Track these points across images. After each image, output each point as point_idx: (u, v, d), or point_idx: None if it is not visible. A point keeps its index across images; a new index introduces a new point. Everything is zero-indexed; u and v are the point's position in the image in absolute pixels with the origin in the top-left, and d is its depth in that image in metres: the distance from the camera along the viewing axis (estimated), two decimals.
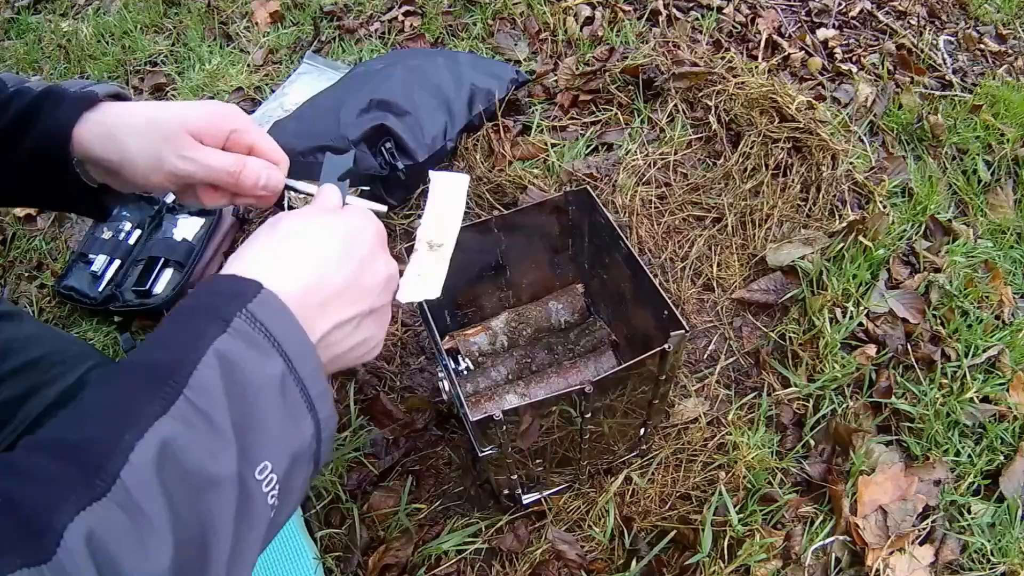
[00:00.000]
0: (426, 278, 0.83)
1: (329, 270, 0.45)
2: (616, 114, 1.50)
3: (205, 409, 0.34)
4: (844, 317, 1.17)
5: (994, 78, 1.63)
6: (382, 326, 0.51)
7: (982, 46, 1.74)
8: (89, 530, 0.30)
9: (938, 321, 1.18)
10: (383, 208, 0.67)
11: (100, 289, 1.30)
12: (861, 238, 1.22)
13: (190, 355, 0.35)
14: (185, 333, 0.37)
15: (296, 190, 0.63)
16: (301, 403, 0.39)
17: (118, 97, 0.61)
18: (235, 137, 0.60)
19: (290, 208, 0.61)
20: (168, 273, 1.30)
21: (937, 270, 1.24)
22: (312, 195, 0.63)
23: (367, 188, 1.28)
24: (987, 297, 1.21)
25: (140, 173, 0.57)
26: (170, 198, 1.40)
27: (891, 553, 0.95)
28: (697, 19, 1.72)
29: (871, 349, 1.14)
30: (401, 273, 0.85)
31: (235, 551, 0.34)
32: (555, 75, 1.59)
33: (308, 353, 0.40)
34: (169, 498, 0.32)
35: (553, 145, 1.45)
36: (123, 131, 0.57)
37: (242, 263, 0.43)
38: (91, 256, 1.34)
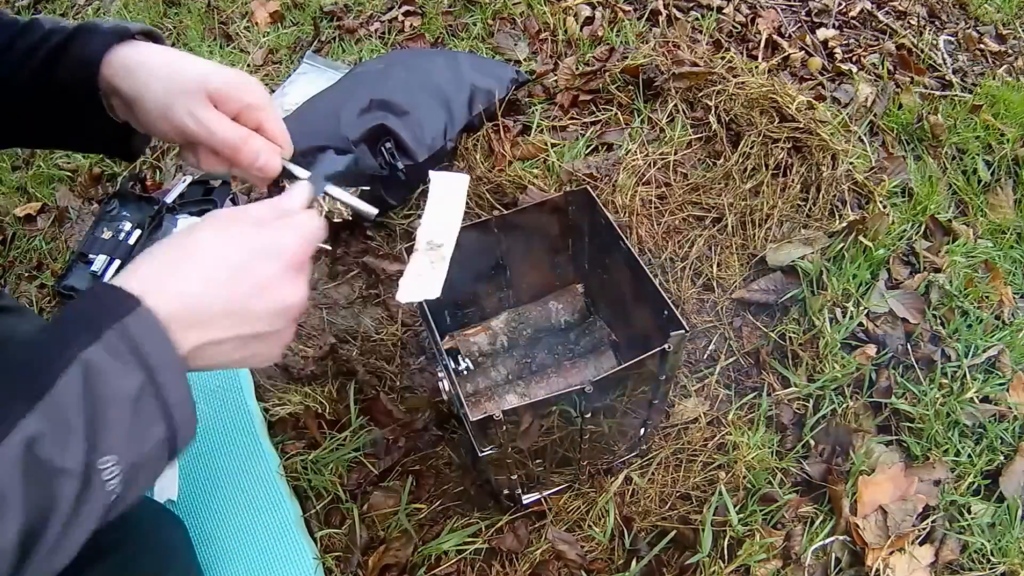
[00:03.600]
0: (426, 278, 0.83)
1: (216, 292, 0.46)
2: (616, 114, 1.50)
3: (64, 410, 0.39)
4: (844, 317, 1.17)
5: (994, 78, 1.63)
6: (274, 346, 0.51)
7: (982, 46, 1.74)
8: None
9: (938, 321, 1.18)
10: (371, 211, 0.66)
11: None
12: (861, 238, 1.22)
13: (58, 361, 0.40)
14: (60, 339, 0.41)
15: (295, 176, 0.63)
16: (156, 410, 0.43)
17: (151, 36, 0.62)
18: (248, 111, 0.60)
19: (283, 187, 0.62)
20: None
21: (937, 270, 1.24)
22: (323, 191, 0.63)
23: (367, 188, 1.28)
24: (987, 297, 1.21)
25: (151, 117, 0.58)
26: (170, 198, 1.40)
27: (891, 553, 0.95)
28: (697, 19, 1.72)
29: (871, 349, 1.14)
30: (401, 273, 0.85)
31: (67, 527, 0.40)
32: (555, 75, 1.59)
33: (171, 365, 0.43)
34: (25, 485, 0.38)
35: (553, 145, 1.45)
36: (144, 71, 0.58)
37: (135, 273, 0.45)
38: (91, 256, 1.34)
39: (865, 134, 1.48)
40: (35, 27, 0.63)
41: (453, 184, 0.87)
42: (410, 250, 0.88)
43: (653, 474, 1.03)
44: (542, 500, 1.01)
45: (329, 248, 1.34)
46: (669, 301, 0.82)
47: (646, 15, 1.74)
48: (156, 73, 0.58)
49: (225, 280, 0.47)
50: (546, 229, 1.04)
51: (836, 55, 1.65)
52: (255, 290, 0.48)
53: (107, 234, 1.37)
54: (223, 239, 0.48)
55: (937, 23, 1.80)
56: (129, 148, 0.67)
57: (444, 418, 1.11)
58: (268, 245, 0.49)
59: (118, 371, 0.41)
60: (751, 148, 1.36)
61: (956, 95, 1.58)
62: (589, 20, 1.73)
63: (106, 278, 1.30)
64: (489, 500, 1.04)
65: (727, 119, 1.42)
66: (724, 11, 1.74)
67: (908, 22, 1.78)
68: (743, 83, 1.44)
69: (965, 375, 1.11)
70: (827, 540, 0.97)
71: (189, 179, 1.45)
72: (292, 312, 0.50)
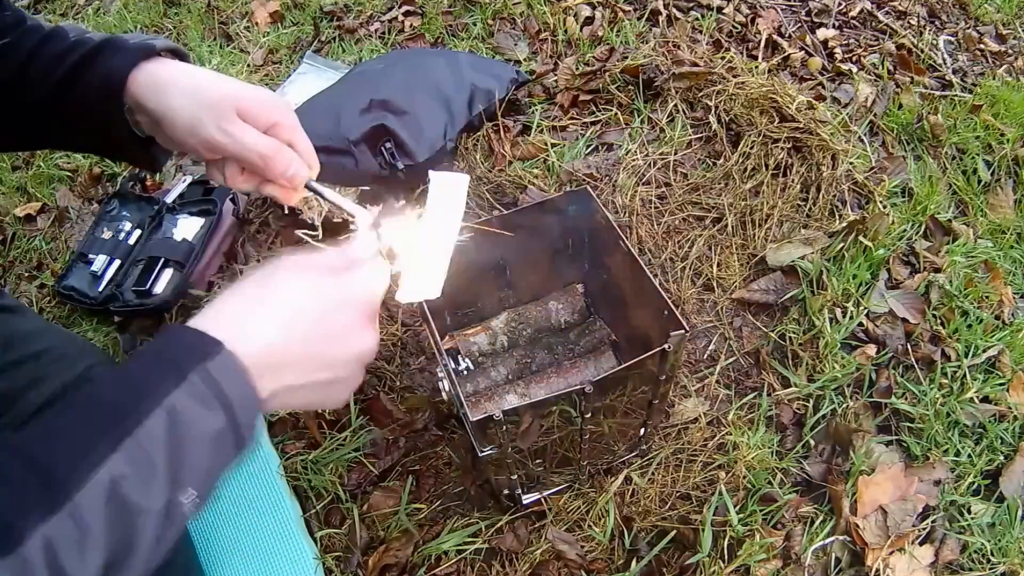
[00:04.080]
0: (426, 278, 0.83)
1: (295, 339, 0.48)
2: (616, 114, 1.50)
3: (149, 452, 0.40)
4: (844, 317, 1.17)
5: (994, 78, 1.63)
6: (345, 391, 0.53)
7: (982, 46, 1.74)
8: (47, 537, 0.36)
9: (938, 321, 1.18)
10: (367, 216, 0.64)
11: (100, 289, 1.30)
12: (861, 238, 1.22)
13: (145, 403, 0.41)
14: (146, 381, 0.43)
15: (319, 193, 0.64)
16: (231, 443, 0.45)
17: (176, 53, 0.63)
18: (276, 129, 0.61)
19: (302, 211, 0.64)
20: (168, 273, 1.30)
21: (937, 270, 1.24)
22: (334, 204, 0.64)
23: (367, 188, 1.28)
24: (987, 297, 1.21)
25: (178, 133, 0.59)
26: (170, 198, 1.40)
27: (891, 553, 0.95)
28: (697, 19, 1.72)
29: (871, 349, 1.14)
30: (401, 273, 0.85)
31: (148, 557, 0.41)
32: (555, 75, 1.59)
33: (251, 408, 0.45)
34: (109, 520, 0.39)
35: (553, 145, 1.45)
36: (172, 88, 0.59)
37: (218, 316, 0.47)
38: (91, 256, 1.34)
39: (865, 134, 1.48)
40: (60, 35, 0.63)
41: (453, 184, 0.87)
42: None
43: (653, 474, 1.03)
44: (542, 500, 1.01)
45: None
46: (669, 301, 0.82)
47: (646, 15, 1.74)
48: (184, 91, 0.58)
49: (304, 328, 0.48)
50: (546, 229, 1.04)
51: (836, 55, 1.65)
52: (331, 339, 0.49)
53: (107, 234, 1.37)
54: (300, 286, 0.49)
55: (937, 23, 1.80)
56: (152, 160, 0.68)
57: (444, 418, 1.11)
58: (344, 295, 0.51)
59: (202, 414, 0.42)
60: (751, 148, 1.36)
61: (956, 95, 1.58)
62: (589, 20, 1.73)
63: (106, 278, 1.30)
64: (489, 500, 1.04)
65: (727, 119, 1.42)
66: (724, 11, 1.74)
67: (908, 22, 1.78)
68: (743, 83, 1.44)
69: (965, 375, 1.11)
70: (827, 540, 0.97)
71: (189, 179, 1.45)
72: (365, 359, 0.52)
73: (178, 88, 0.58)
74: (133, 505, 0.40)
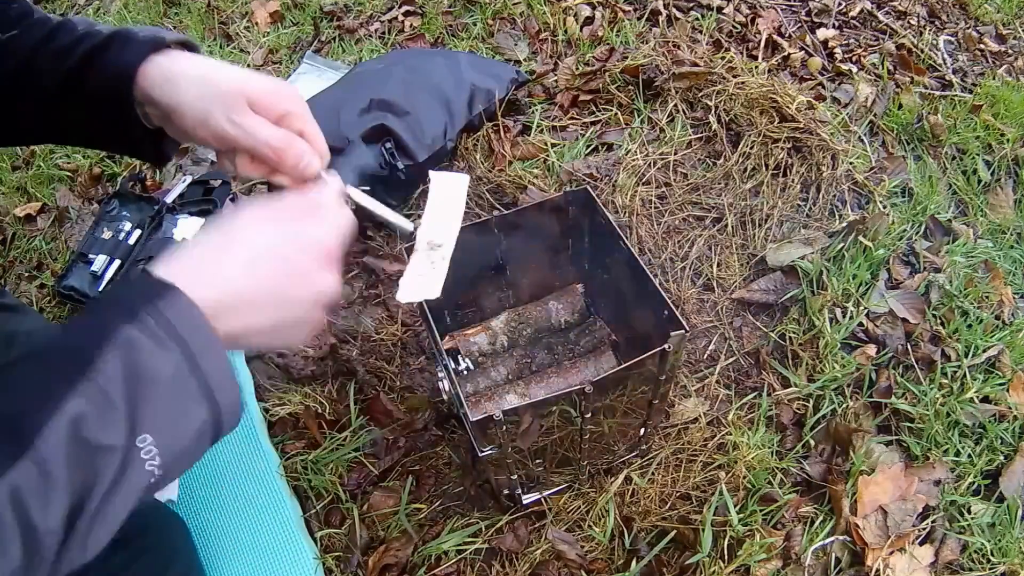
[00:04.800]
0: (426, 278, 0.83)
1: (255, 279, 0.48)
2: (616, 114, 1.50)
3: (106, 389, 0.40)
4: (844, 317, 1.17)
5: (994, 78, 1.63)
6: (305, 331, 0.54)
7: (982, 46, 1.74)
8: (13, 486, 0.37)
9: (938, 321, 1.18)
10: (408, 227, 0.68)
11: (100, 289, 1.29)
12: (861, 238, 1.22)
13: (100, 343, 0.41)
14: (99, 323, 0.43)
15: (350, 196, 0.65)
16: (196, 391, 0.44)
17: (186, 45, 0.62)
18: (288, 119, 0.60)
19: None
20: None
21: (937, 270, 1.24)
22: (351, 196, 0.64)
23: (367, 188, 1.28)
24: (987, 297, 1.21)
25: (188, 124, 0.59)
26: (170, 198, 1.40)
27: (891, 553, 0.95)
28: (697, 19, 1.72)
29: (871, 349, 1.14)
30: (401, 273, 0.85)
31: (105, 502, 0.41)
32: (555, 75, 1.59)
33: (209, 348, 0.44)
34: (71, 461, 0.39)
35: (553, 145, 1.45)
36: (182, 79, 0.58)
37: (171, 261, 0.47)
38: (91, 256, 1.34)
39: (865, 134, 1.48)
40: (68, 28, 0.63)
41: (453, 184, 0.87)
42: (410, 250, 0.88)
43: (653, 474, 1.03)
44: (542, 500, 1.01)
45: None
46: (669, 301, 0.82)
47: (646, 15, 1.74)
48: (193, 82, 0.58)
49: (265, 268, 0.49)
50: (546, 229, 1.04)
51: (836, 55, 1.65)
52: (293, 279, 0.50)
53: (107, 234, 1.36)
54: (262, 228, 0.51)
55: (937, 23, 1.80)
56: (160, 153, 0.68)
57: (444, 418, 1.11)
58: (305, 236, 0.52)
59: (156, 352, 0.42)
60: (751, 148, 1.36)
61: (956, 95, 1.58)
62: (589, 20, 1.73)
63: (106, 278, 1.30)
64: (489, 500, 1.04)
65: (727, 119, 1.42)
66: (724, 11, 1.74)
67: (908, 22, 1.78)
68: (743, 83, 1.44)
69: (965, 375, 1.11)
70: (827, 540, 0.97)
71: (189, 179, 1.45)
72: (324, 299, 0.52)
73: (188, 80, 0.58)
74: (93, 443, 0.39)
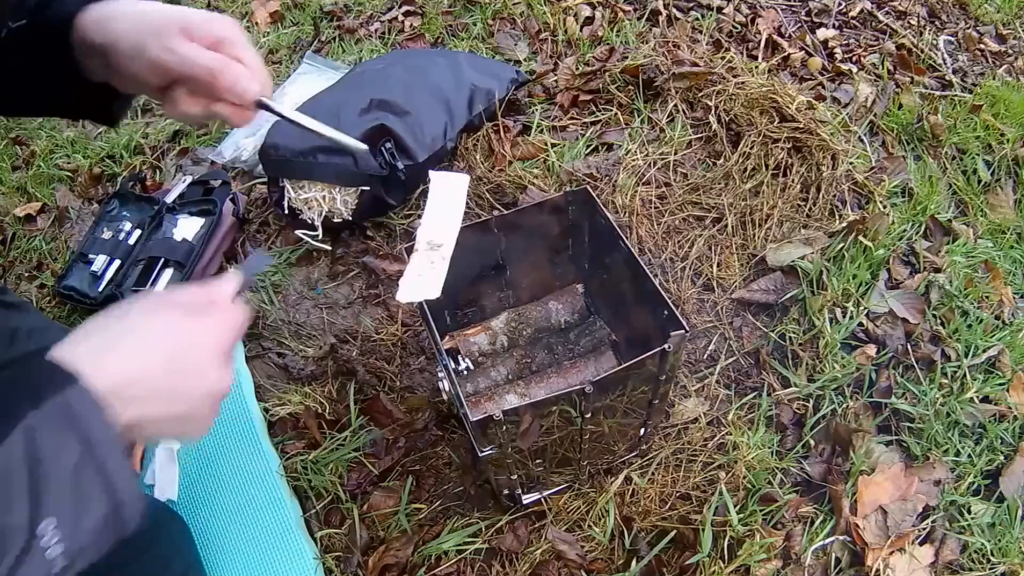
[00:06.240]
0: (426, 278, 0.83)
1: (149, 372, 0.49)
2: (616, 114, 1.50)
3: (7, 471, 0.40)
4: (844, 317, 1.17)
5: (994, 78, 1.63)
6: (200, 425, 0.54)
7: (982, 46, 1.74)
8: None
9: (938, 321, 1.18)
10: (360, 147, 0.70)
11: (100, 289, 1.30)
12: (861, 238, 1.22)
13: (3, 427, 0.41)
14: (5, 406, 0.43)
15: (270, 109, 0.64)
16: (97, 484, 0.44)
17: None
18: (223, 46, 0.60)
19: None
20: (168, 273, 1.30)
21: (937, 270, 1.24)
22: (291, 119, 0.65)
23: (367, 188, 1.28)
24: (987, 297, 1.21)
25: (125, 59, 0.59)
26: (170, 198, 1.40)
27: (891, 553, 0.95)
28: (697, 19, 1.72)
29: (871, 349, 1.14)
30: (401, 273, 0.85)
31: None
32: (555, 75, 1.59)
33: (109, 441, 0.45)
34: None
35: (553, 145, 1.45)
36: (118, 17, 0.59)
37: (73, 350, 0.47)
38: (91, 256, 1.34)
39: (865, 134, 1.48)
40: None
41: (453, 184, 0.87)
42: (410, 250, 0.88)
43: (653, 474, 1.03)
44: (542, 500, 1.01)
45: (329, 248, 1.34)
46: (669, 301, 0.82)
47: (646, 15, 1.75)
48: (129, 18, 0.59)
49: (161, 362, 0.49)
50: (546, 229, 1.04)
51: (836, 55, 1.66)
52: (185, 375, 0.51)
53: (107, 234, 1.36)
54: (157, 323, 0.51)
55: (937, 23, 1.80)
56: (110, 111, 0.68)
57: (444, 418, 1.11)
58: (199, 337, 0.52)
59: (57, 441, 0.42)
60: (751, 148, 1.36)
61: (956, 95, 1.58)
62: (589, 20, 1.73)
63: (106, 278, 1.30)
64: (489, 500, 1.04)
65: (727, 119, 1.42)
66: (724, 11, 1.74)
67: (908, 22, 1.78)
68: (743, 83, 1.44)
69: (965, 375, 1.11)
70: (827, 540, 0.97)
71: (189, 179, 1.45)
72: (217, 396, 0.53)
73: (123, 17, 0.59)
74: None
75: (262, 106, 0.63)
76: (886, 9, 1.81)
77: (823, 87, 1.57)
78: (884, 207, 1.32)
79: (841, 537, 0.97)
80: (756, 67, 1.54)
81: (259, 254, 0.63)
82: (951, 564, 0.97)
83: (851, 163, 1.37)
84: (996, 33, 1.79)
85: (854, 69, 1.61)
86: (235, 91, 0.60)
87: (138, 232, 1.37)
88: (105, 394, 0.45)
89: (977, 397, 1.09)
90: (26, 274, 1.46)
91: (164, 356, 0.50)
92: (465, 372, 1.11)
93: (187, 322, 0.52)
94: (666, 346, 0.77)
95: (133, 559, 0.76)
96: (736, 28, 1.71)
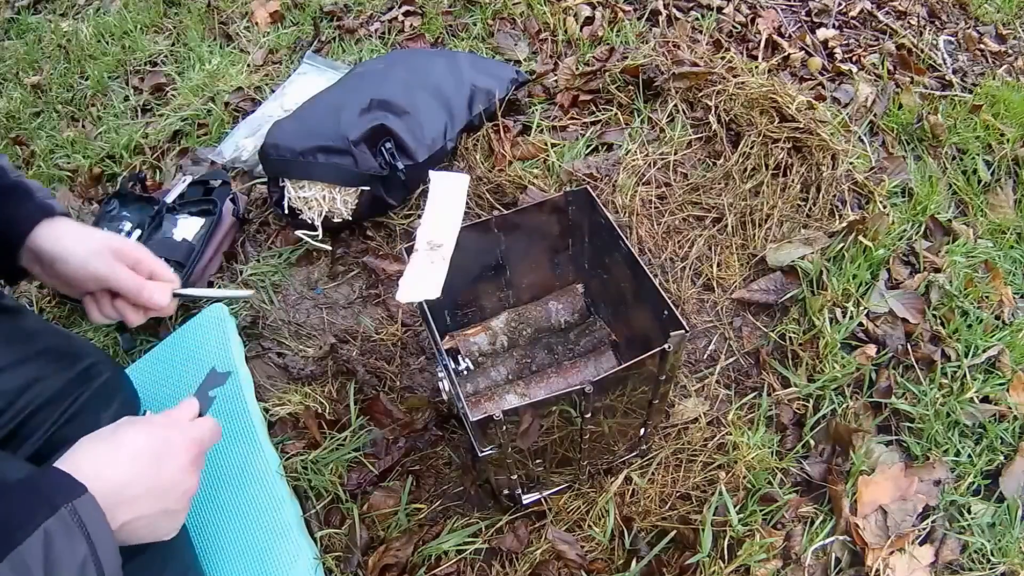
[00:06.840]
0: (426, 278, 0.83)
1: (140, 477, 0.62)
2: (616, 114, 1.50)
3: (28, 565, 0.50)
4: (844, 317, 1.17)
5: (994, 78, 1.63)
6: (176, 520, 0.66)
7: (982, 46, 1.74)
8: None
9: (938, 321, 1.18)
10: (246, 293, 1.15)
11: None
12: (861, 238, 1.22)
13: (25, 524, 0.52)
14: (24, 507, 0.53)
15: (184, 296, 0.86)
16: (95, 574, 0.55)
17: (65, 214, 0.81)
18: (141, 265, 0.80)
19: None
20: None
21: (937, 270, 1.24)
22: (199, 297, 0.91)
23: (367, 188, 1.28)
24: (987, 297, 1.21)
25: (69, 269, 0.77)
26: (170, 198, 1.40)
27: (891, 553, 0.95)
28: (697, 19, 1.73)
29: (871, 349, 1.14)
30: (401, 273, 0.85)
31: None
32: (555, 75, 1.59)
33: (108, 541, 0.56)
34: None
35: (553, 145, 1.45)
36: (70, 236, 0.78)
37: (80, 463, 0.59)
38: None
39: (865, 134, 1.48)
40: None
41: (453, 184, 0.87)
42: (410, 250, 0.88)
43: (653, 474, 1.03)
44: (542, 500, 1.01)
45: (329, 248, 1.34)
46: (669, 301, 0.82)
47: (646, 15, 1.75)
48: (77, 238, 0.78)
49: (146, 468, 0.62)
50: (546, 229, 1.04)
51: (836, 55, 1.66)
52: (167, 478, 0.64)
53: None
54: (141, 438, 0.64)
55: (937, 23, 1.80)
56: (15, 277, 0.83)
57: (444, 418, 1.11)
58: (174, 443, 0.66)
59: (69, 542, 0.53)
60: (751, 148, 1.36)
61: (956, 95, 1.58)
62: (589, 20, 1.73)
63: None
64: (489, 500, 1.04)
65: (727, 119, 1.42)
66: (724, 11, 1.74)
67: (908, 22, 1.78)
68: (743, 83, 1.44)
69: (965, 375, 1.11)
70: (827, 540, 0.97)
71: (189, 179, 1.45)
72: (191, 495, 0.67)
73: (75, 236, 0.78)
74: None
75: (178, 295, 0.84)
76: (886, 9, 1.81)
77: (823, 87, 1.57)
78: (884, 207, 1.32)
79: (841, 537, 0.97)
80: (756, 67, 1.54)
81: (215, 373, 0.82)
82: (951, 564, 0.97)
83: (851, 163, 1.37)
84: (996, 33, 1.79)
85: (854, 69, 1.61)
86: (151, 303, 0.80)
87: (138, 232, 1.37)
88: (104, 498, 0.57)
89: (977, 397, 1.09)
90: None
91: (148, 463, 0.62)
92: (465, 372, 1.11)
93: (163, 433, 0.66)
94: (666, 346, 0.77)
95: (130, 558, 0.76)
96: (736, 28, 1.71)
